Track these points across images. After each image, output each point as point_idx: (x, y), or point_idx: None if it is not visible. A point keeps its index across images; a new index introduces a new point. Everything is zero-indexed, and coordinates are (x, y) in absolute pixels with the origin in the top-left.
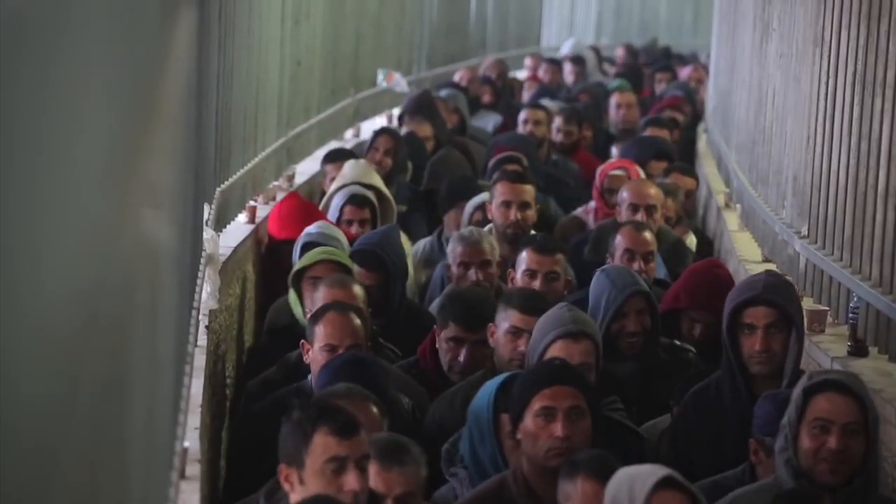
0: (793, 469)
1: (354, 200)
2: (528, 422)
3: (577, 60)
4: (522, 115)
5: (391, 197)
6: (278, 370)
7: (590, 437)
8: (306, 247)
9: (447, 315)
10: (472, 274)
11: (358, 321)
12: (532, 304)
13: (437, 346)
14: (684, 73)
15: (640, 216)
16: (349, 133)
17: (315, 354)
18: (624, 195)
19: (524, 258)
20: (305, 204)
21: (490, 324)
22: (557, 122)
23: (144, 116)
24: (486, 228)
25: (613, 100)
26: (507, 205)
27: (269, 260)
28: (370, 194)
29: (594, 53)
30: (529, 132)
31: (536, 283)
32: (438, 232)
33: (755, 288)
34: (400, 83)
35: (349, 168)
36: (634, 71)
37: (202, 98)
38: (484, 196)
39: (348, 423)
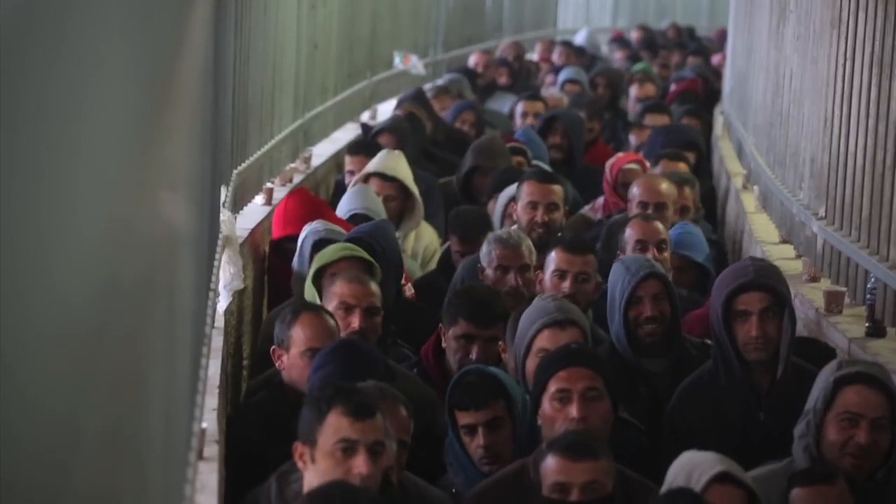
0: (811, 456)
1: (352, 220)
2: (546, 406)
3: (568, 45)
4: (520, 108)
5: (417, 192)
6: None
7: (608, 420)
8: (318, 244)
9: (456, 312)
10: (511, 279)
11: (332, 322)
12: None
13: (443, 345)
14: (715, 59)
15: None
16: (365, 115)
17: (294, 360)
18: (634, 191)
19: (553, 258)
20: (313, 200)
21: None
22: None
23: (161, 99)
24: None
25: (633, 91)
26: (533, 205)
27: (275, 259)
28: (374, 211)
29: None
30: (530, 126)
31: (566, 285)
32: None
33: (746, 274)
34: (416, 65)
35: (377, 157)
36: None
37: (219, 80)
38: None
39: (363, 405)
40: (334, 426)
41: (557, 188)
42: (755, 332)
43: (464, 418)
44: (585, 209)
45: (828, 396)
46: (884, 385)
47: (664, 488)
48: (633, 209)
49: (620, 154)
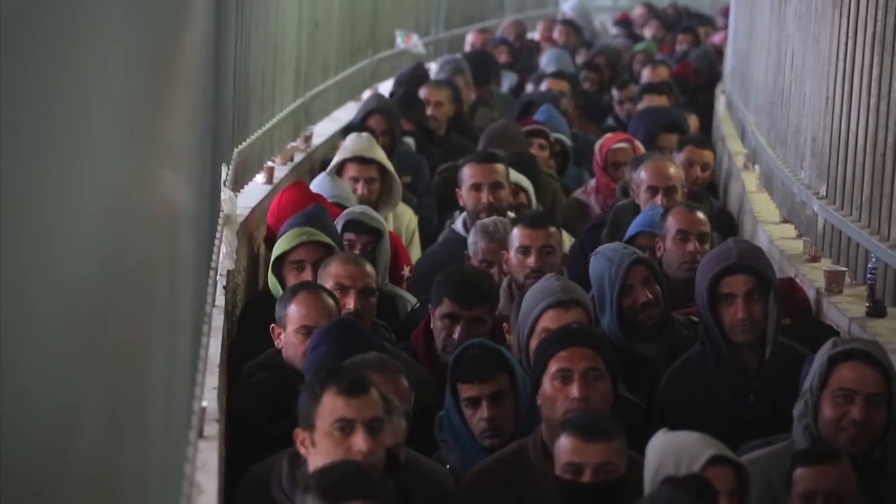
0: (811, 436)
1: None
2: (546, 385)
3: (568, 24)
4: (545, 86)
5: (395, 173)
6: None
7: (608, 400)
8: (347, 226)
9: (442, 291)
10: (495, 273)
11: (331, 301)
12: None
13: (431, 326)
14: (717, 37)
15: (658, 199)
16: (367, 94)
17: (289, 337)
18: (642, 175)
19: (516, 235)
20: (309, 195)
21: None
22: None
23: (163, 78)
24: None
25: (646, 73)
26: (477, 188)
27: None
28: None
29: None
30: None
31: (531, 260)
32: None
33: (729, 257)
34: (417, 45)
35: (350, 141)
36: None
37: (220, 59)
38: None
39: (356, 382)
40: (330, 407)
41: (499, 167)
42: (741, 314)
43: (467, 391)
44: (578, 192)
45: (823, 375)
46: (878, 362)
47: (650, 473)
48: (641, 194)
49: (609, 134)
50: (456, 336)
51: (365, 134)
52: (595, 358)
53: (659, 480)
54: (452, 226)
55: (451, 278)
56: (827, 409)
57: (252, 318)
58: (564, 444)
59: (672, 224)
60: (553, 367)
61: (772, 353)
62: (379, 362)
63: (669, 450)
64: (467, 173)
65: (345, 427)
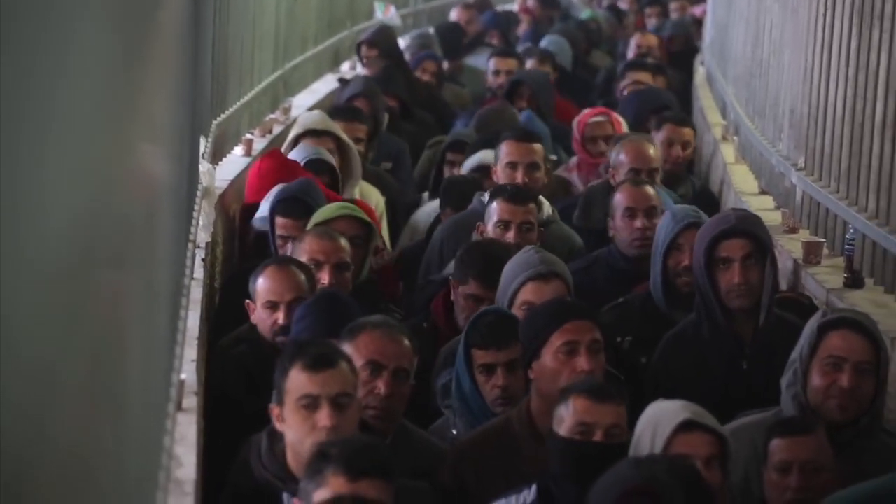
0: (799, 404)
1: (311, 167)
2: (547, 359)
3: (552, 2)
4: (491, 65)
5: (351, 144)
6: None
7: (603, 373)
8: (282, 202)
9: (467, 271)
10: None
11: (301, 275)
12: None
13: (453, 299)
14: (697, 10)
15: None
16: (346, 66)
17: (258, 312)
18: (622, 157)
19: (495, 209)
20: (288, 163)
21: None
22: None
23: (141, 50)
24: None
25: (634, 41)
26: (513, 166)
27: (245, 223)
28: (327, 156)
29: None
30: (500, 84)
31: (510, 235)
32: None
33: (728, 221)
34: (394, 17)
35: (302, 118)
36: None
37: (199, 31)
38: (483, 156)
39: (321, 357)
40: (295, 383)
41: (538, 147)
42: (737, 278)
43: (483, 357)
44: (560, 169)
45: (813, 343)
46: (868, 330)
47: (632, 446)
48: (622, 176)
49: (586, 110)
50: None
51: (316, 111)
52: (595, 330)
53: (637, 449)
54: (481, 198)
55: (477, 256)
56: (816, 376)
57: (232, 293)
58: (575, 406)
59: (620, 201)
60: (557, 340)
61: (766, 321)
62: (382, 321)
63: (650, 418)
64: (505, 150)
65: (309, 404)
